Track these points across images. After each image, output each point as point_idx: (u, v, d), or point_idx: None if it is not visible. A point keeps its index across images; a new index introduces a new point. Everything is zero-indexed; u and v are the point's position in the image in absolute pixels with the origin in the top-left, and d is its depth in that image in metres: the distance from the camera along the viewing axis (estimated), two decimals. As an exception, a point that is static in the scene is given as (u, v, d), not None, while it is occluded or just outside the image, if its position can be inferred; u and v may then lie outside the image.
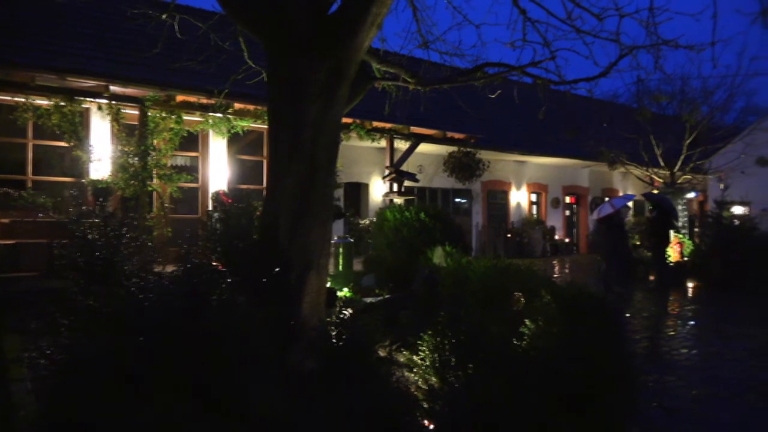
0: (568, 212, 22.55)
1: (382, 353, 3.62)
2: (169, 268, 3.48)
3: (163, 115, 10.12)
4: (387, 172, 12.77)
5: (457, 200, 18.48)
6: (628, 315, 8.82)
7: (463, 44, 6.61)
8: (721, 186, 20.21)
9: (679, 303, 10.49)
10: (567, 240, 21.81)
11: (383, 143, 13.22)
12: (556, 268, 16.01)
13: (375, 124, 12.06)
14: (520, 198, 20.23)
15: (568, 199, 22.45)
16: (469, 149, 14.50)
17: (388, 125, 12.26)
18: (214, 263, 4.13)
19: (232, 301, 2.76)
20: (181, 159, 11.47)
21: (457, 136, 14.04)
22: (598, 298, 4.39)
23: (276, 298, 3.25)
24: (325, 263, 4.03)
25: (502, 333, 3.73)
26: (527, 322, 4.06)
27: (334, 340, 3.45)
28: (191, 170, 11.36)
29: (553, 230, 20.64)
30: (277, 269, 3.32)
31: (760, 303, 10.13)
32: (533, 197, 20.96)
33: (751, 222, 13.32)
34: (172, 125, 10.25)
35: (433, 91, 6.91)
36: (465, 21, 6.74)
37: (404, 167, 13.33)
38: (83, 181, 9.57)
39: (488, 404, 2.97)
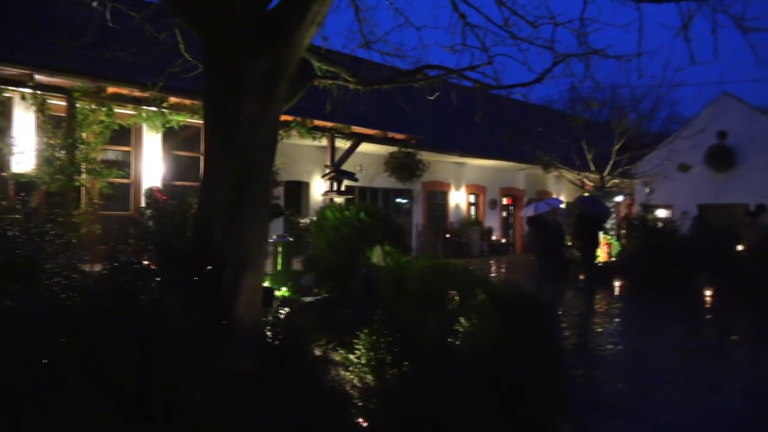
0: (505, 213, 23.17)
1: (318, 352, 3.61)
2: (98, 267, 3.34)
3: (93, 107, 9.67)
4: (326, 171, 12.74)
5: (398, 200, 18.63)
6: (559, 313, 9.15)
7: (405, 46, 6.72)
8: (647, 190, 21.34)
9: (607, 301, 10.98)
10: (503, 240, 22.40)
11: (324, 142, 13.16)
12: (493, 268, 16.42)
13: (316, 122, 11.99)
14: (459, 199, 20.62)
15: (505, 201, 23.07)
16: (409, 150, 14.67)
17: (329, 124, 12.22)
18: (146, 262, 4.00)
19: (162, 301, 2.68)
20: (112, 153, 11.00)
21: (398, 136, 14.16)
22: (530, 296, 4.54)
23: (209, 298, 3.18)
24: (262, 262, 3.98)
25: (437, 331, 3.79)
26: (463, 320, 4.15)
27: (269, 340, 3.41)
28: (123, 165, 10.92)
29: (490, 231, 21.16)
30: (210, 268, 3.24)
31: (680, 301, 10.75)
32: (472, 198, 21.42)
33: (673, 224, 14.11)
34: (102, 118, 9.81)
35: (375, 92, 6.94)
36: (407, 23, 6.80)
37: (345, 166, 13.32)
38: (4, 174, 9.02)
39: (423, 401, 3.02)
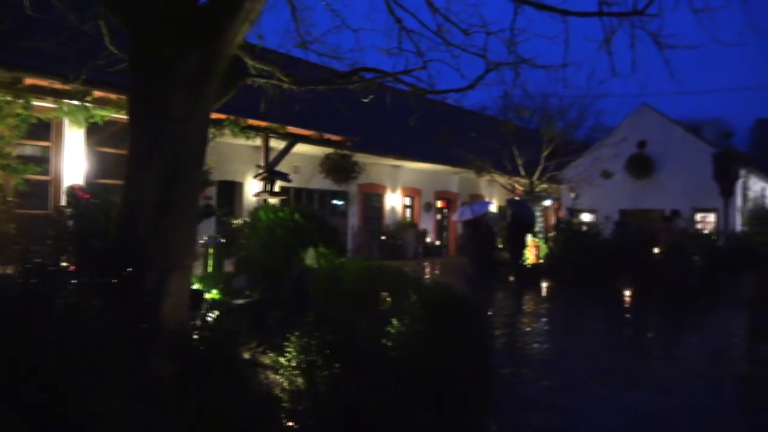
0: (439, 216, 23.57)
1: (246, 356, 3.54)
2: (10, 269, 3.14)
3: (8, 99, 9.06)
4: (259, 171, 12.53)
5: (334, 202, 18.57)
6: (489, 313, 9.40)
7: (342, 47, 6.68)
8: (573, 195, 22.30)
9: (535, 302, 11.38)
10: (438, 242, 22.78)
11: (259, 142, 12.92)
12: (427, 270, 16.66)
13: (250, 121, 11.75)
14: (394, 201, 20.80)
15: (439, 204, 23.47)
16: (345, 152, 14.64)
17: (263, 123, 12.00)
18: (64, 263, 3.80)
19: (79, 304, 2.55)
20: (30, 149, 10.35)
21: (334, 138, 14.11)
22: (461, 297, 4.63)
23: (132, 300, 3.06)
24: (190, 263, 3.86)
25: (369, 332, 3.81)
26: (395, 321, 4.19)
27: (196, 344, 3.31)
28: (42, 161, 10.30)
29: (425, 233, 21.46)
30: (133, 269, 3.11)
31: (603, 301, 11.29)
32: (407, 201, 21.65)
33: (596, 228, 14.81)
34: (18, 111, 9.21)
35: (312, 92, 6.89)
36: (344, 25, 6.80)
37: (281, 167, 13.14)
38: None
39: (353, 403, 3.02)
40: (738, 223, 19.71)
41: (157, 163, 3.69)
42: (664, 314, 10.40)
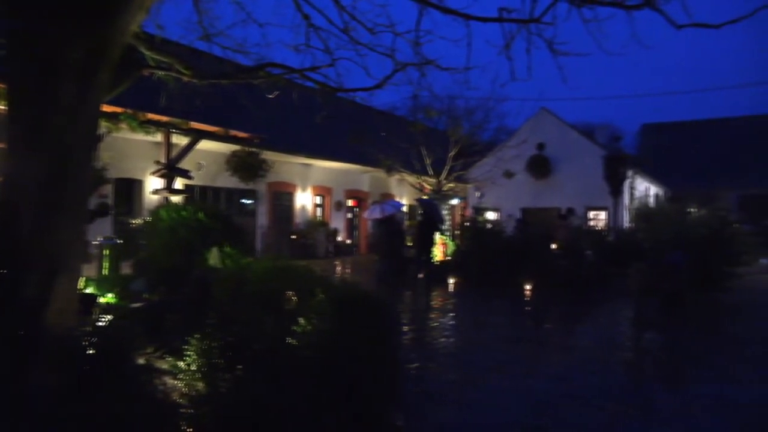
0: (350, 215, 23.63)
1: (141, 361, 3.35)
2: None
3: None
4: (157, 167, 11.96)
5: (242, 201, 18.10)
6: (398, 310, 9.54)
7: (248, 42, 6.49)
8: (478, 194, 23.18)
9: (442, 297, 11.69)
10: (349, 241, 22.82)
11: (160, 137, 12.32)
12: (338, 268, 16.64)
13: (150, 116, 11.16)
14: (305, 200, 20.60)
15: (350, 203, 23.52)
16: (253, 149, 14.31)
17: (164, 118, 11.44)
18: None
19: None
20: None
21: (240, 134, 13.73)
22: (369, 295, 4.65)
23: (9, 306, 2.80)
24: (78, 265, 3.60)
25: (274, 332, 3.73)
26: (302, 320, 4.13)
27: (86, 351, 3.09)
28: None
29: (336, 232, 21.43)
30: (11, 271, 2.85)
31: (506, 295, 11.80)
32: (318, 200, 21.52)
33: (500, 226, 15.45)
34: None
35: (218, 88, 6.65)
36: (249, 18, 6.63)
37: (184, 164, 12.62)
38: None
39: (256, 405, 2.94)
40: (626, 221, 21.28)
41: (42, 157, 3.40)
42: (560, 306, 11.04)
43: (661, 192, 30.19)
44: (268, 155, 14.97)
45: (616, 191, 18.37)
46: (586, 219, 21.53)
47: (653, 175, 28.64)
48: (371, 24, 5.63)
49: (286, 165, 18.72)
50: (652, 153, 36.20)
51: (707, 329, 8.99)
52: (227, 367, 3.24)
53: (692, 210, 14.79)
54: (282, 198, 19.76)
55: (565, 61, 5.78)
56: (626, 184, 20.43)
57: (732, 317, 10.07)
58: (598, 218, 23.00)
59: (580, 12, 4.82)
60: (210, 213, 8.07)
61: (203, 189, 16.18)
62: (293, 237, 19.21)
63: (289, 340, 3.94)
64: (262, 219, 18.63)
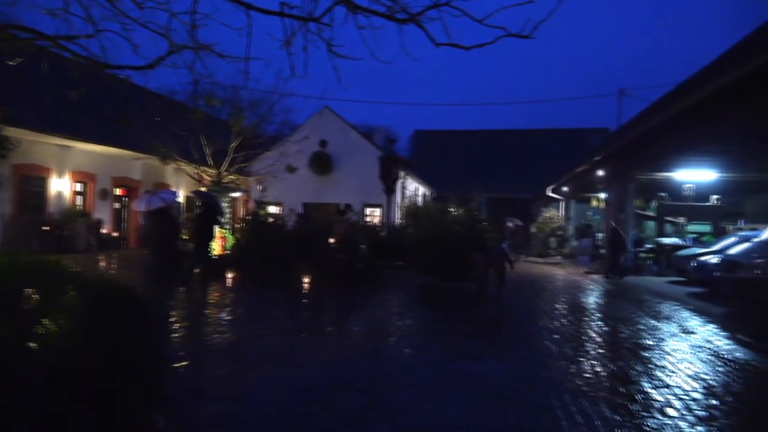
0: (117, 205, 21.56)
1: None
2: None
3: None
4: None
5: (-23, 184, 15.28)
6: (168, 306, 9.00)
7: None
8: (260, 188, 22.96)
9: (220, 292, 11.35)
10: (116, 234, 20.82)
11: None
12: (101, 263, 15.07)
13: None
14: (62, 186, 18.20)
15: (118, 191, 21.47)
16: (-6, 124, 12.21)
17: None
18: None
19: None
20: None
21: (-24, 106, 11.61)
22: (128, 291, 4.30)
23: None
24: None
25: (8, 337, 3.24)
26: (46, 321, 3.65)
27: None
28: None
29: (100, 223, 19.37)
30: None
31: (285, 288, 11.92)
32: (78, 187, 19.19)
33: (281, 220, 15.53)
34: None
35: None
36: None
37: None
38: None
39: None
40: (398, 218, 23.07)
41: None
42: (336, 297, 11.54)
43: (428, 192, 33.42)
44: (15, 132, 12.89)
45: (390, 190, 19.84)
46: (363, 215, 22.83)
47: (422, 177, 31.57)
48: (142, -1, 5.20)
49: (38, 145, 16.32)
50: (422, 156, 39.97)
51: (460, 315, 10.20)
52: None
53: (452, 209, 16.67)
54: (32, 183, 17.17)
55: (344, 63, 6.04)
56: (399, 183, 22.15)
57: (481, 303, 11.59)
58: (374, 215, 24.56)
59: (356, 18, 5.08)
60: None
61: None
62: (46, 228, 16.84)
63: (29, 344, 3.46)
64: (5, 207, 15.97)
